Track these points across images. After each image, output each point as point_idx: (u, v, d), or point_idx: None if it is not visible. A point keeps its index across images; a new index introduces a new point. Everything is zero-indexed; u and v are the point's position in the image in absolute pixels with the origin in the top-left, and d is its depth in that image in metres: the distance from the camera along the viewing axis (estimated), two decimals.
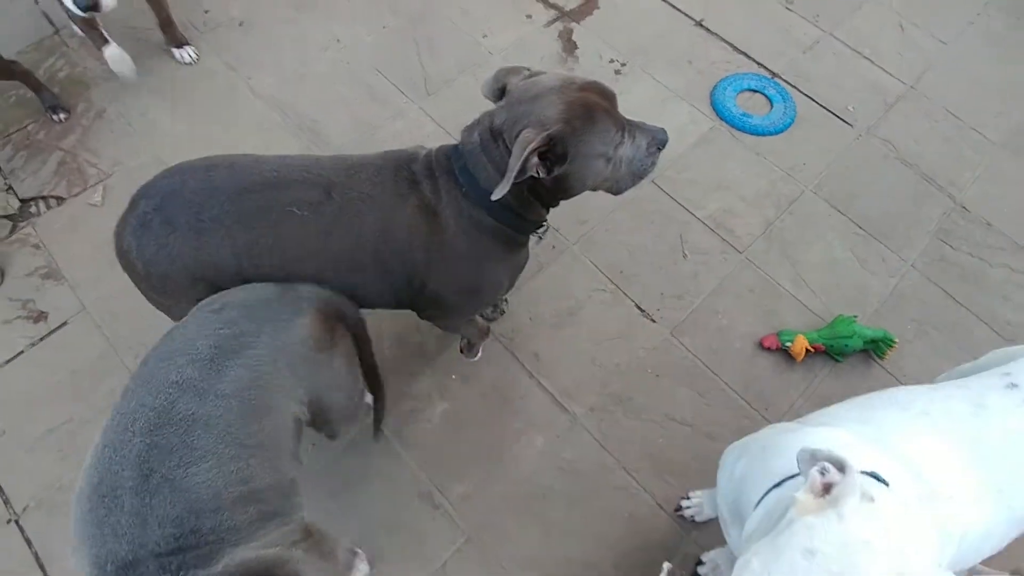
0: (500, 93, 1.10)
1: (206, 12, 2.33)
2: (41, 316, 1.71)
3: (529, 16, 2.36)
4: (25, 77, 1.96)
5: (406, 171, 1.13)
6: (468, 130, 1.12)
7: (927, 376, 1.41)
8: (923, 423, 0.97)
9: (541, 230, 1.24)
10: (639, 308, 1.79)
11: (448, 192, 1.11)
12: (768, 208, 1.98)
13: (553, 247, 1.87)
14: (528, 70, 1.13)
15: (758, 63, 2.29)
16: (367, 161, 1.15)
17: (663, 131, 1.13)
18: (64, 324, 1.70)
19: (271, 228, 1.07)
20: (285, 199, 1.08)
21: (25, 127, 2.04)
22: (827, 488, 0.69)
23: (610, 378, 1.68)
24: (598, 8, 2.39)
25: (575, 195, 1.14)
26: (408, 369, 1.67)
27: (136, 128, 2.05)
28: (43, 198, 1.92)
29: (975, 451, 0.94)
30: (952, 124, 2.22)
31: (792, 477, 0.87)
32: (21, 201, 1.90)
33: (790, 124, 2.13)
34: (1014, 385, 1.02)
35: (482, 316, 1.69)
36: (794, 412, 1.67)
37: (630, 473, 1.55)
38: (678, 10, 2.41)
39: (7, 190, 1.92)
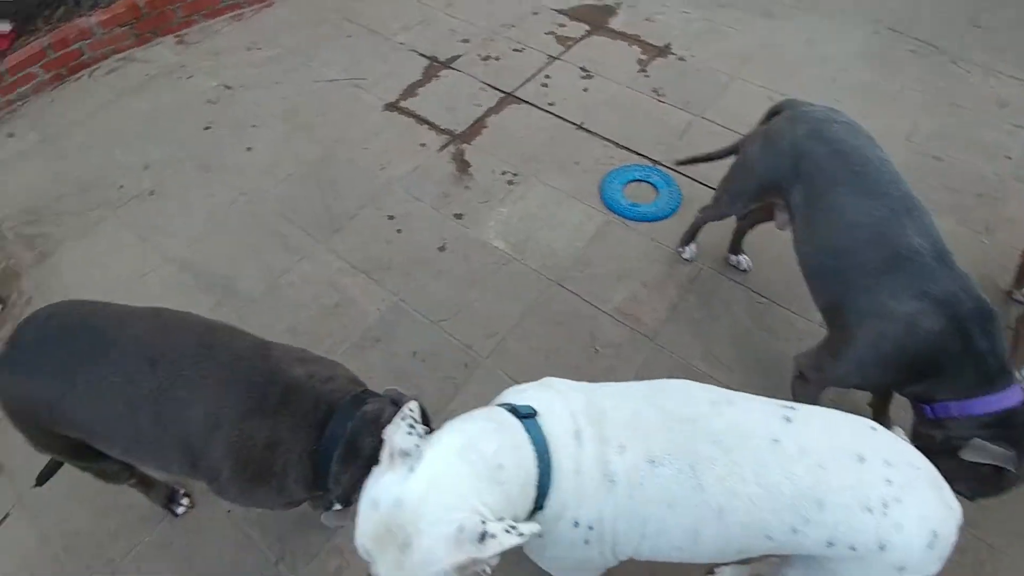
0: None
1: (120, 187, 2.44)
2: None
3: (423, 144, 2.52)
4: None
5: None
6: None
7: None
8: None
9: None
10: None
11: None
12: (670, 290, 2.03)
13: (466, 365, 1.87)
14: None
15: (639, 154, 2.45)
16: None
17: None
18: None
19: None
20: None
21: None
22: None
23: None
24: (486, 127, 2.57)
25: None
26: None
27: None
28: None
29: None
30: None
31: None
32: None
33: (677, 207, 2.25)
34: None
35: None
36: None
37: None
38: (559, 118, 2.61)
39: None
